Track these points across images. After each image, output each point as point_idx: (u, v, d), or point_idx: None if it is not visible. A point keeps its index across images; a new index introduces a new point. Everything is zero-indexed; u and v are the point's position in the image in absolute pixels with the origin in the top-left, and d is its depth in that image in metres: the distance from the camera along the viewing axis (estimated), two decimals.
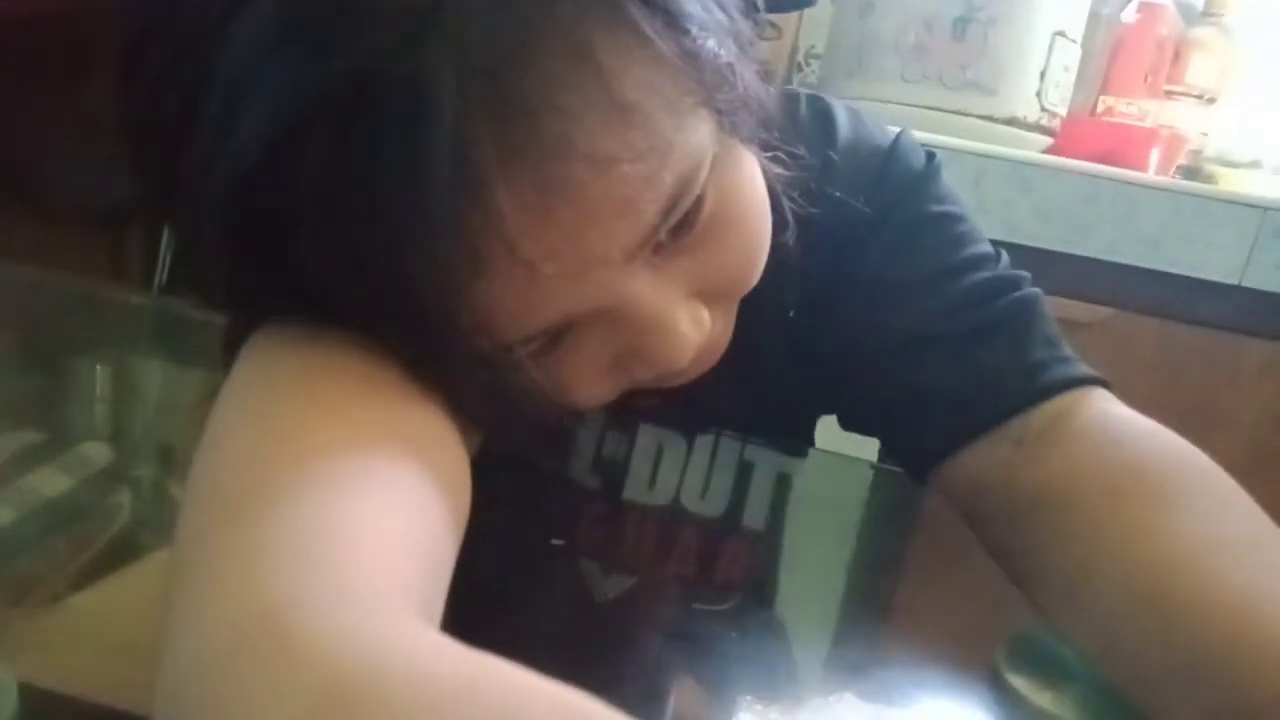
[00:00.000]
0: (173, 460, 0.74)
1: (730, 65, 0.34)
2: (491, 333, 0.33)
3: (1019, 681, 0.36)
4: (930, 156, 0.50)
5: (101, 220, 1.05)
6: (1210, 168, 1.35)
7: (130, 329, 0.80)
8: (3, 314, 0.73)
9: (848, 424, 0.54)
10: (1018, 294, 0.45)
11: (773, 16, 0.41)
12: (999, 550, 0.44)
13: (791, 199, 0.42)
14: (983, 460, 0.44)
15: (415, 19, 0.28)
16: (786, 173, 0.41)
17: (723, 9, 0.35)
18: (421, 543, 0.26)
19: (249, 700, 0.18)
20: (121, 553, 0.66)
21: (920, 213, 0.48)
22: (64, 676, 0.44)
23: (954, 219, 0.48)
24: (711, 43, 0.33)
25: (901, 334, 0.46)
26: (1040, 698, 0.36)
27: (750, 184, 0.38)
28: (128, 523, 0.69)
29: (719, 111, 0.34)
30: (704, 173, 0.34)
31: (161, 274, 0.94)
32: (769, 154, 0.40)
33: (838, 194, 0.46)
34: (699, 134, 0.33)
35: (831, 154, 0.48)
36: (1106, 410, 0.43)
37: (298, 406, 0.29)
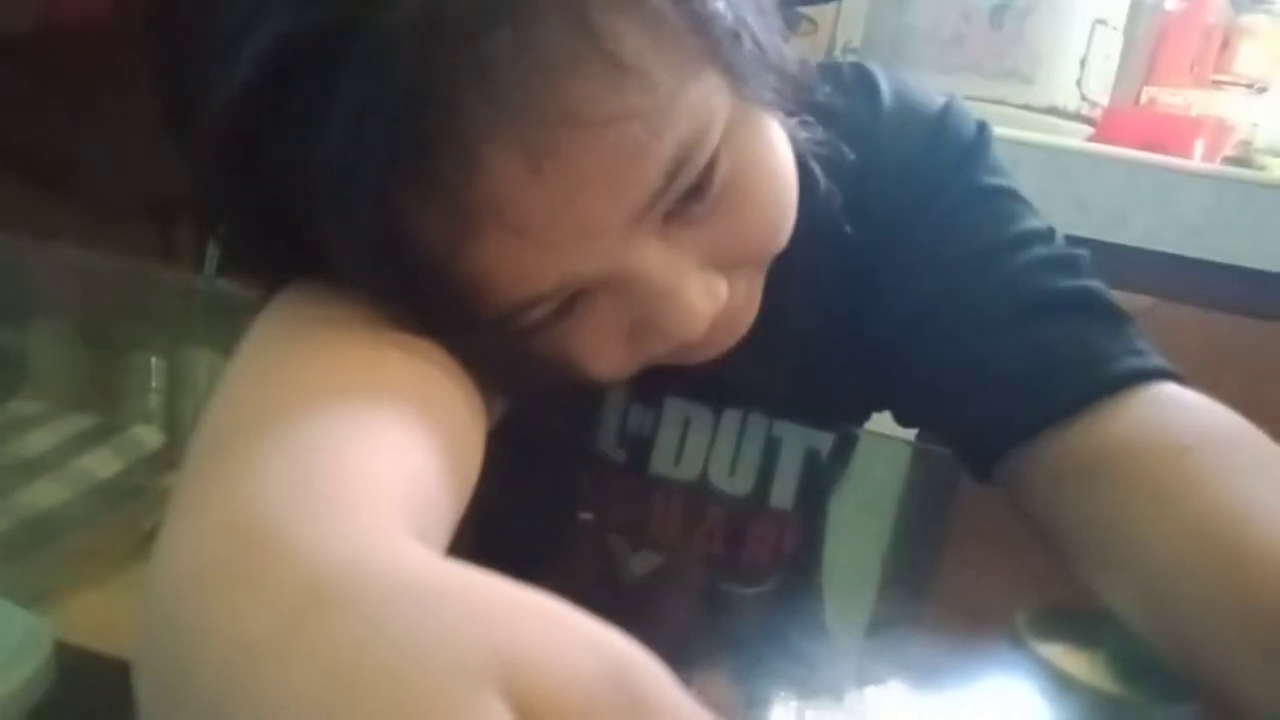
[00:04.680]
0: None
1: (742, 23, 0.33)
2: (491, 296, 0.33)
3: (1047, 649, 0.36)
4: (981, 126, 0.47)
5: (152, 213, 1.09)
6: (1261, 158, 1.32)
7: (183, 313, 0.82)
8: (60, 298, 0.76)
9: (904, 416, 0.52)
10: (1080, 281, 0.43)
11: (809, 10, 0.40)
12: (1052, 517, 0.42)
13: (829, 169, 0.40)
14: (1041, 439, 0.41)
15: None
16: (819, 141, 0.40)
17: None
18: (412, 475, 0.25)
19: (235, 605, 0.18)
20: None
21: (974, 185, 0.46)
22: (113, 645, 0.46)
23: (1008, 193, 0.46)
24: (720, 3, 0.32)
25: (957, 314, 0.44)
26: (1069, 662, 0.35)
27: (770, 151, 0.37)
28: None
29: (730, 74, 0.33)
30: (714, 137, 0.33)
31: (213, 261, 0.97)
32: (798, 120, 0.39)
33: (883, 164, 0.44)
34: (705, 97, 0.32)
35: (876, 122, 0.46)
36: (1176, 390, 0.41)
37: (300, 355, 0.29)
